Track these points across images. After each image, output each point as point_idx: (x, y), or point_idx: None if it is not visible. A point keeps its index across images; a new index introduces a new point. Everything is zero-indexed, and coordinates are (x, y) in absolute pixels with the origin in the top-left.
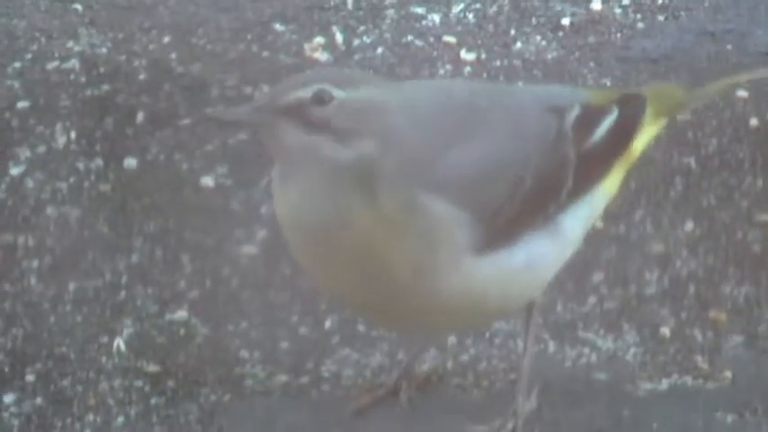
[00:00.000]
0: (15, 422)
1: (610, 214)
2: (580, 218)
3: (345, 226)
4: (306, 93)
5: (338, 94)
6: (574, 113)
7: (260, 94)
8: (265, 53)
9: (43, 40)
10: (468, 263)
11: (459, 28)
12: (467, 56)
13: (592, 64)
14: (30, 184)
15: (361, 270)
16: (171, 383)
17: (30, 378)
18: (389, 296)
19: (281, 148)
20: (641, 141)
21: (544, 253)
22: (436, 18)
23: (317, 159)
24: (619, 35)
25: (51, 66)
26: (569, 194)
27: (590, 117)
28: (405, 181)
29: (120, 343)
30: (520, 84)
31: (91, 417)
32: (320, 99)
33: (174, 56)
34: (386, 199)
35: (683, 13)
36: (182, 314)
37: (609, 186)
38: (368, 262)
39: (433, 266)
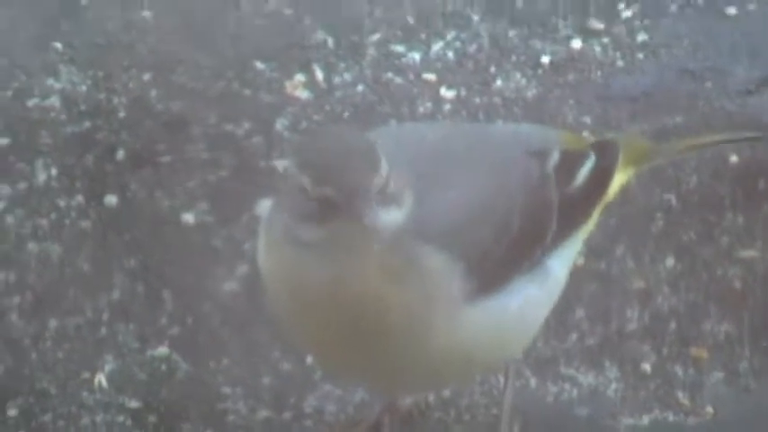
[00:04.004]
0: None
1: (591, 250)
2: (564, 261)
3: (346, 281)
4: (382, 176)
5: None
6: (555, 157)
7: (334, 181)
8: (246, 91)
9: (23, 77)
10: (462, 313)
11: (439, 65)
12: (447, 93)
13: (572, 102)
14: (10, 220)
15: (356, 327)
16: (152, 419)
17: (12, 413)
18: (382, 352)
19: (360, 229)
20: (614, 187)
21: (534, 298)
22: (416, 56)
23: (383, 231)
24: (599, 73)
25: (32, 103)
26: (554, 238)
27: (570, 162)
28: (399, 233)
29: (101, 379)
30: (493, 124)
31: None
32: (388, 176)
33: (154, 93)
34: (383, 252)
35: (662, 50)
36: (163, 350)
37: (588, 229)
38: (364, 317)
39: (428, 319)
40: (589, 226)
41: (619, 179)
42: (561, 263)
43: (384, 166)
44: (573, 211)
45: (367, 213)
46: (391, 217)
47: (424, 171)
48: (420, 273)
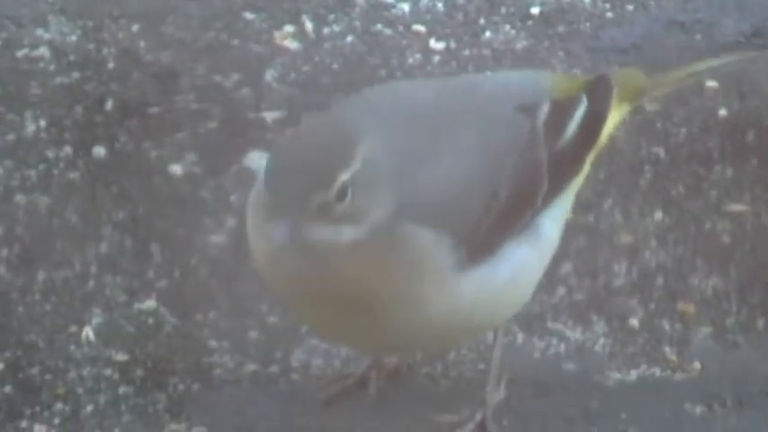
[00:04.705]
0: None
1: (579, 204)
2: (556, 218)
3: (333, 260)
4: (329, 194)
5: (346, 178)
6: (544, 111)
7: (276, 192)
8: (235, 41)
9: (12, 27)
10: (453, 283)
11: (429, 17)
12: (436, 45)
13: (561, 53)
14: None
15: (348, 303)
16: (140, 372)
17: None
18: (377, 326)
19: (302, 242)
20: (608, 128)
21: (526, 260)
22: (405, 7)
23: (334, 244)
24: (588, 24)
25: (21, 53)
26: (545, 198)
27: (561, 113)
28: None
29: (88, 332)
30: (483, 75)
31: (60, 405)
32: (342, 195)
33: (143, 44)
34: (371, 231)
35: (652, 2)
36: (150, 303)
37: (580, 180)
38: (355, 295)
39: (419, 294)
40: (581, 177)
41: (614, 118)
42: (553, 221)
43: (340, 181)
44: (564, 166)
45: (288, 231)
46: (337, 234)
47: (411, 141)
48: (406, 250)
